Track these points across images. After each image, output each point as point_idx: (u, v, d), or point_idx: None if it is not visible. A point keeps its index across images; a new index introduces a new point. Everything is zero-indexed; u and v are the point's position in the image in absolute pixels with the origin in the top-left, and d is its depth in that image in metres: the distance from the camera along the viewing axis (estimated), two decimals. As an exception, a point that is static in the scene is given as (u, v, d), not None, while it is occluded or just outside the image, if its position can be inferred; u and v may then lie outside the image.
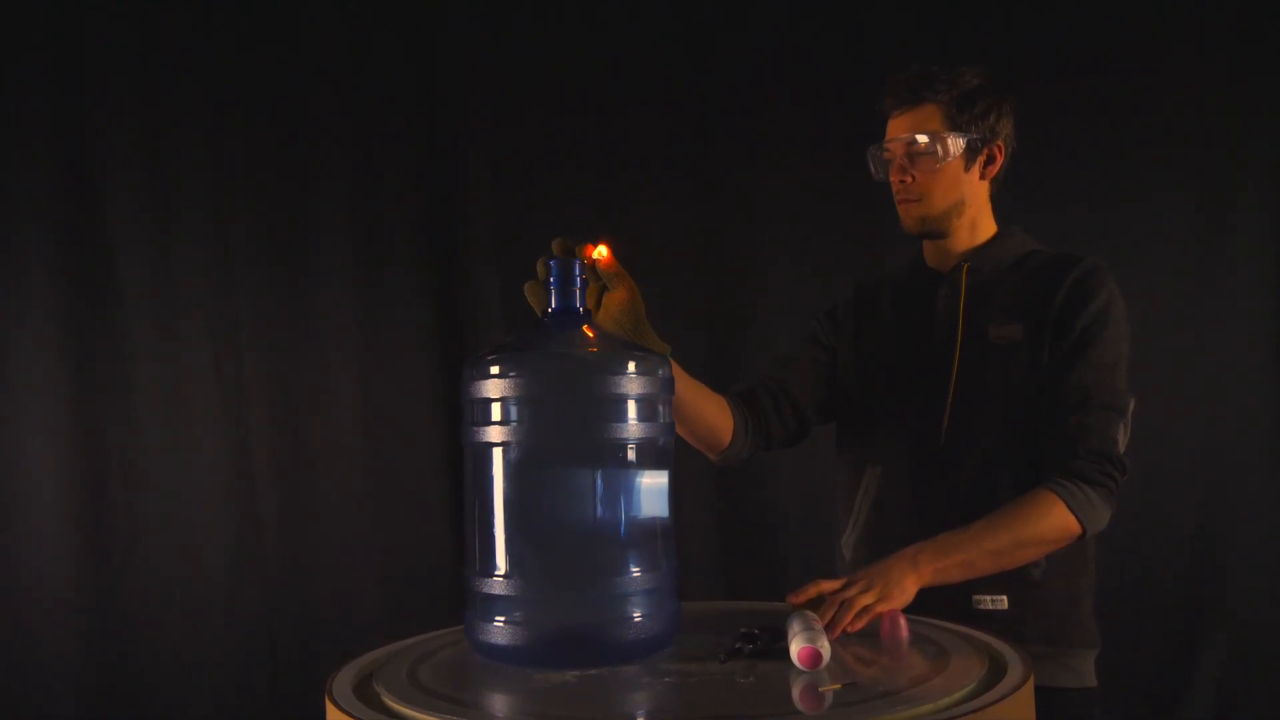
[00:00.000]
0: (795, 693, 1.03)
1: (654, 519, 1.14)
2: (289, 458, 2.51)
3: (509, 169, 2.53)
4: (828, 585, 1.28)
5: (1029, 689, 1.03)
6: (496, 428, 1.11)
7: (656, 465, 1.15)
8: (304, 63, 2.51)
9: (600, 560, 1.11)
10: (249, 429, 2.50)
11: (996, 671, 1.08)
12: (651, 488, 1.14)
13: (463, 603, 1.15)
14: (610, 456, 1.12)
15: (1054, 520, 1.41)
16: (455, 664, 1.19)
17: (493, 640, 1.11)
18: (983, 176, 1.60)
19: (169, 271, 2.49)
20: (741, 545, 2.51)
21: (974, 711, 0.94)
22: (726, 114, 2.55)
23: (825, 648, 1.07)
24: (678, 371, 1.52)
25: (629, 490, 1.12)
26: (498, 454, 1.12)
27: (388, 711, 1.02)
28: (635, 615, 1.11)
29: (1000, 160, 1.60)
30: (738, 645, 1.15)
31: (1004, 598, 1.48)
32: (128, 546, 2.47)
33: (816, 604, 1.26)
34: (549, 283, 1.19)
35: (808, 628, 1.11)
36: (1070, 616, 1.53)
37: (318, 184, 2.52)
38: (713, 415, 1.58)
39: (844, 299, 1.76)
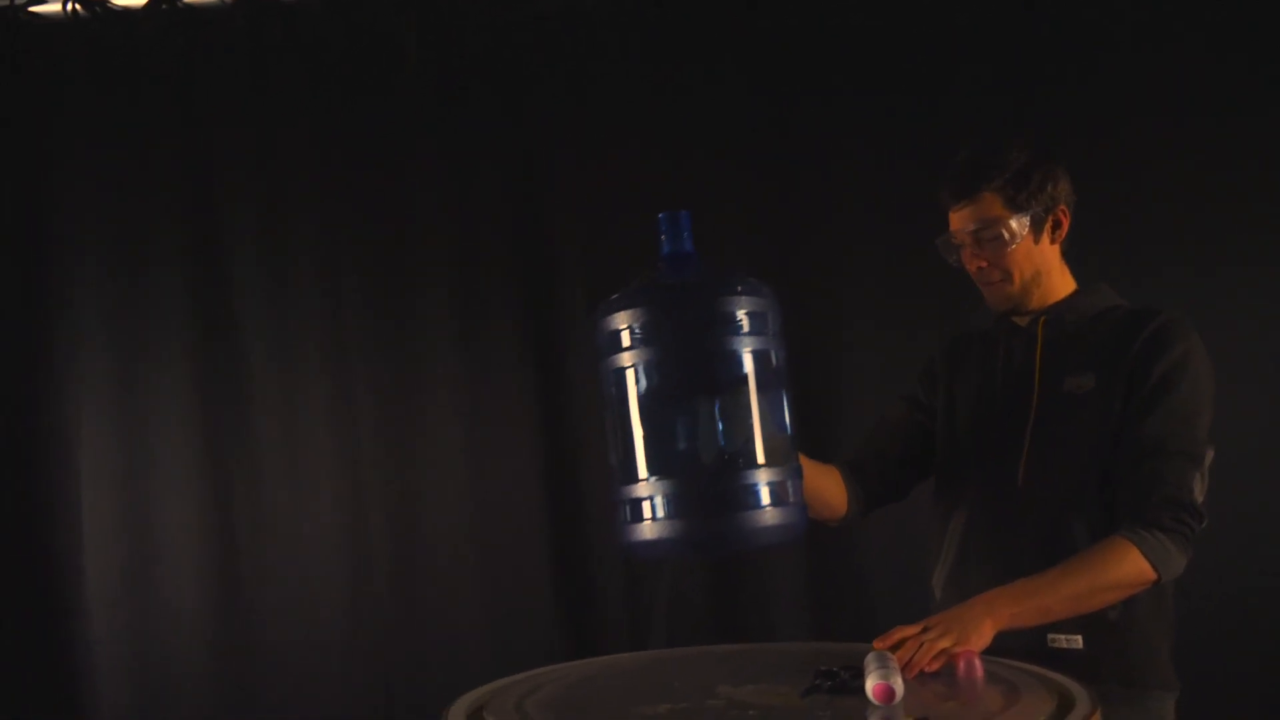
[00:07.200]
0: (869, 726, 1.10)
1: (775, 421, 1.27)
2: (399, 508, 2.66)
3: (600, 228, 2.64)
4: (909, 630, 1.35)
5: (1093, 724, 1.08)
6: (626, 353, 1.26)
7: (772, 375, 1.28)
8: (407, 133, 2.69)
9: (731, 457, 1.24)
10: (363, 481, 2.66)
11: (1065, 708, 1.13)
12: (769, 393, 1.27)
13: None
14: (728, 367, 1.26)
15: (1129, 567, 1.44)
16: (560, 697, 1.29)
17: (644, 537, 1.24)
18: (1053, 241, 1.64)
19: (289, 338, 2.69)
20: (830, 588, 2.55)
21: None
22: (807, 169, 2.62)
23: (899, 685, 1.14)
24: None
25: (748, 395, 1.26)
26: (629, 375, 1.26)
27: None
28: (767, 507, 1.24)
29: (1066, 222, 1.64)
30: (817, 682, 1.23)
31: (1079, 637, 1.50)
32: (253, 594, 2.66)
33: (898, 648, 1.32)
34: (660, 233, 1.33)
35: (883, 665, 1.18)
36: (1146, 658, 1.55)
37: (422, 247, 2.69)
38: (829, 492, 1.67)
39: (938, 353, 1.81)
